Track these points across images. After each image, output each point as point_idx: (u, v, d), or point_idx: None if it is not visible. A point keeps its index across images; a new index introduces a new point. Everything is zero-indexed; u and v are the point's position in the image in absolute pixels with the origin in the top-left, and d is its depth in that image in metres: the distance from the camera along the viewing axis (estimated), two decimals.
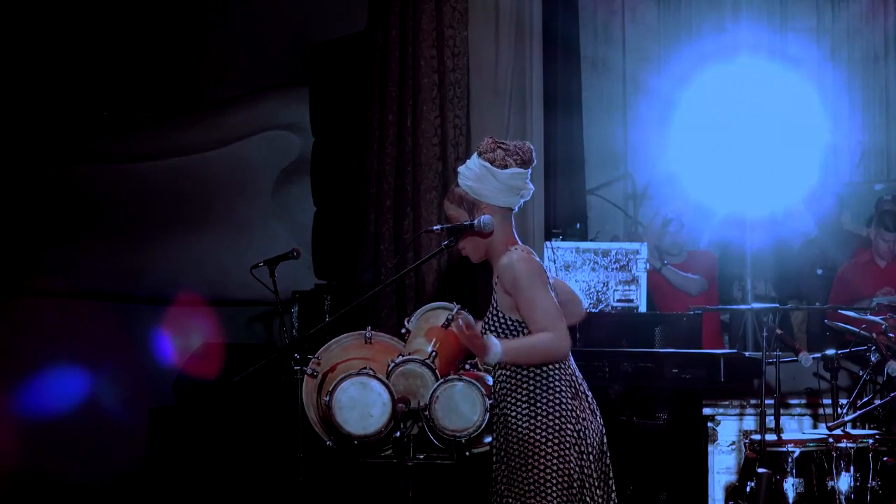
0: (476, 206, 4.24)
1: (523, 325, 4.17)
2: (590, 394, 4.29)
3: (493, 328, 4.23)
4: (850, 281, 7.64)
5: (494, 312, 4.24)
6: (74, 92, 9.60)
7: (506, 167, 4.21)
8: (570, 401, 4.16)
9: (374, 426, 4.39)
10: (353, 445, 4.47)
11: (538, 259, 4.26)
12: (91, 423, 8.89)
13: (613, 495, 4.29)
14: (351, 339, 4.80)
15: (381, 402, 4.39)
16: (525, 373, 4.18)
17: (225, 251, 9.18)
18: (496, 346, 4.10)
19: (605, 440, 4.30)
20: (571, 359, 4.27)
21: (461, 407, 4.34)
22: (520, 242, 4.29)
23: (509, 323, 4.19)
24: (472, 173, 4.24)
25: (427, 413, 4.31)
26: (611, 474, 4.30)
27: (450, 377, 4.42)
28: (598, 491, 4.19)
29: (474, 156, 4.27)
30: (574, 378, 4.22)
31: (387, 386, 4.40)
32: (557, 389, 4.16)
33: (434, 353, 4.50)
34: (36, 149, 9.47)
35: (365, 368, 4.46)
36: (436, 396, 4.34)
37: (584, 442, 4.16)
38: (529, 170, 4.27)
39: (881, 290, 7.36)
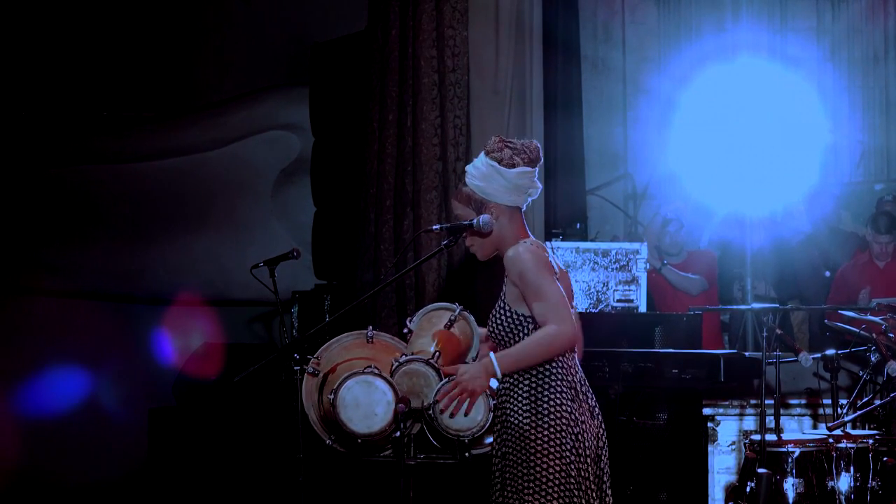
0: (484, 205, 4.24)
1: (529, 319, 4.17)
2: (591, 394, 4.27)
3: (498, 321, 4.22)
4: (850, 281, 7.63)
5: (501, 306, 4.23)
6: (74, 92, 9.59)
7: (513, 166, 4.21)
8: (569, 402, 4.14)
9: (378, 425, 4.38)
10: (357, 444, 4.46)
11: (548, 252, 4.25)
12: (91, 423, 8.89)
13: (609, 499, 4.28)
14: (352, 339, 4.78)
15: (385, 400, 4.38)
16: (524, 372, 4.17)
17: (225, 251, 9.18)
18: (493, 363, 4.12)
19: (605, 443, 4.28)
20: (576, 359, 4.26)
21: (465, 406, 4.33)
22: (532, 237, 4.28)
23: (515, 317, 4.18)
24: (480, 172, 4.24)
25: (431, 412, 4.30)
26: (605, 478, 4.27)
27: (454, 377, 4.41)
28: (593, 494, 4.18)
29: (481, 155, 4.27)
30: (574, 379, 4.20)
31: (391, 385, 4.39)
32: (557, 390, 4.14)
33: (438, 353, 4.49)
34: (36, 149, 9.47)
35: (369, 367, 4.45)
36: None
37: (581, 445, 4.14)
38: (537, 168, 4.27)
39: (862, 291, 7.36)
